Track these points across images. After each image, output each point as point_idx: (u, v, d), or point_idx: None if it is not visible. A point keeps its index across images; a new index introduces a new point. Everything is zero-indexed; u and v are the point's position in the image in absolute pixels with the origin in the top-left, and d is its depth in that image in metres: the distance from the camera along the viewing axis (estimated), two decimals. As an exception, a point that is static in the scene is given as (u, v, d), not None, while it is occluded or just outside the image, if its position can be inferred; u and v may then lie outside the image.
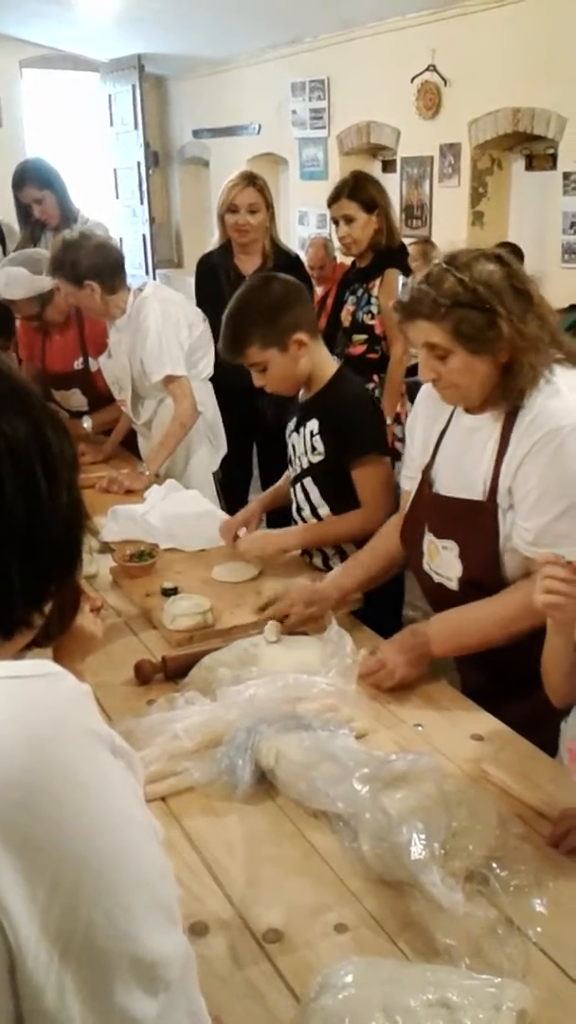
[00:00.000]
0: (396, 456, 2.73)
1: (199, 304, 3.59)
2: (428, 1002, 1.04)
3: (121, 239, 8.00)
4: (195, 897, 1.29)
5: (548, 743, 1.64)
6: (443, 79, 6.35)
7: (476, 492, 1.82)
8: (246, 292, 2.30)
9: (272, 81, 8.04)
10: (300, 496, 2.44)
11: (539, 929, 1.21)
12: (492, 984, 1.07)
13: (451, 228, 6.38)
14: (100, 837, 0.65)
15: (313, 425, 2.34)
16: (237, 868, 1.35)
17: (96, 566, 2.39)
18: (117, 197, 9.45)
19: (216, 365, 3.33)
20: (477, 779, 1.53)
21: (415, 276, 1.78)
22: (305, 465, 2.40)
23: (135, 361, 3.15)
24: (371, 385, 3.58)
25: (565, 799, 1.44)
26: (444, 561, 1.89)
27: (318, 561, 2.45)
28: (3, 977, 0.61)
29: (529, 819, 1.43)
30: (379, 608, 2.24)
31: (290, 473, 2.52)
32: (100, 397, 3.53)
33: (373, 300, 3.63)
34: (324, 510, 2.39)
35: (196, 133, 9.45)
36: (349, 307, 3.73)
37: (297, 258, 3.94)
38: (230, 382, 3.19)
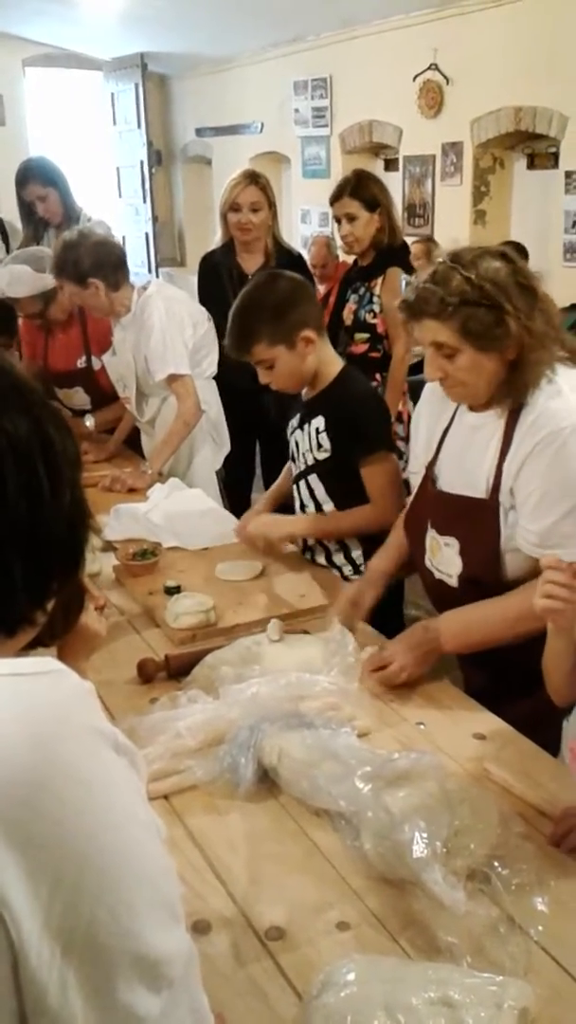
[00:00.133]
0: (398, 455, 2.73)
1: (202, 303, 3.58)
2: (430, 1000, 1.04)
3: (124, 238, 8.02)
4: (197, 895, 1.29)
5: (550, 742, 1.64)
6: (445, 78, 6.35)
7: (478, 490, 1.82)
8: (253, 289, 2.29)
9: (274, 80, 8.04)
10: (304, 493, 2.44)
11: (541, 928, 1.21)
12: (494, 982, 1.08)
13: (453, 227, 6.38)
14: (103, 834, 0.65)
15: (319, 422, 2.34)
16: (239, 866, 1.35)
17: (99, 564, 2.39)
18: (120, 196, 9.46)
19: (220, 363, 3.33)
20: (479, 778, 1.53)
21: (419, 275, 1.77)
22: (310, 462, 2.39)
23: (139, 359, 3.15)
24: (373, 384, 3.58)
25: (567, 798, 1.44)
26: (445, 557, 1.89)
27: (320, 558, 2.45)
28: (6, 974, 0.61)
29: (531, 818, 1.43)
30: (381, 607, 2.23)
31: (292, 470, 2.52)
32: (103, 396, 3.52)
33: (375, 299, 3.63)
34: (329, 507, 2.39)
35: (199, 132, 9.45)
36: (351, 306, 3.73)
37: (299, 256, 3.94)
38: (234, 380, 3.20)
